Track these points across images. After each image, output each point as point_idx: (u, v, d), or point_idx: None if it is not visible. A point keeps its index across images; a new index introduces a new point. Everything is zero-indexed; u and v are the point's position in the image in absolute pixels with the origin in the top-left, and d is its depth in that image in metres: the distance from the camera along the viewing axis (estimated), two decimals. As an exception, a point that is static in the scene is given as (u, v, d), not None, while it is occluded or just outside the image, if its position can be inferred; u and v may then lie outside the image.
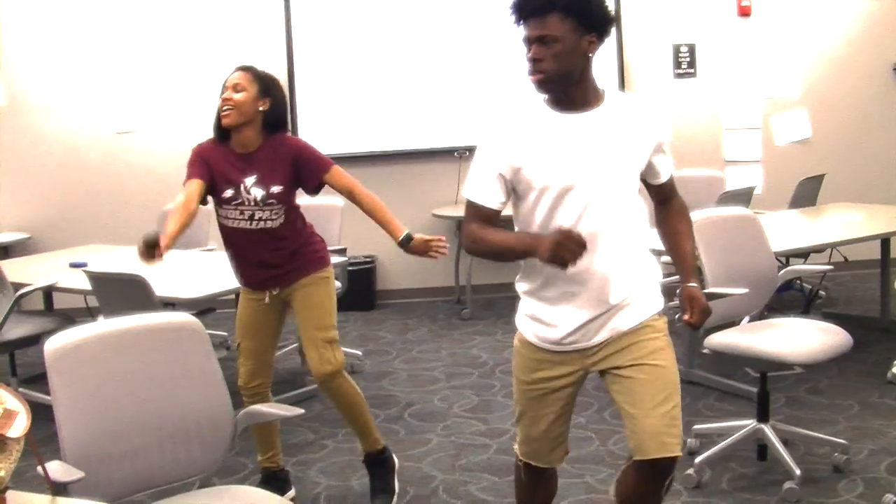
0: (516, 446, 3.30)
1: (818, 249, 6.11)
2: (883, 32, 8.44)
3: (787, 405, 5.24)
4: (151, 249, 3.66)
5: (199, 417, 2.99)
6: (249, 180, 3.92)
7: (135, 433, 2.86)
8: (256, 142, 3.97)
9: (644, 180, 3.06)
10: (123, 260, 5.85)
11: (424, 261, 7.93)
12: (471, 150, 8.63)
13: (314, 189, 4.10)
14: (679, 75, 8.38)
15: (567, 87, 2.88)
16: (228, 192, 3.94)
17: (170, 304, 4.76)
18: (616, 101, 2.96)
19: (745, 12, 8.31)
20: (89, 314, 5.56)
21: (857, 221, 6.29)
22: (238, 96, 3.89)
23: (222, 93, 3.93)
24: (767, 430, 4.40)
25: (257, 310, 4.14)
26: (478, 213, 2.97)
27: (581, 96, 2.90)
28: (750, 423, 4.46)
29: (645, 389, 2.93)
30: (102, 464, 2.76)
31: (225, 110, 3.90)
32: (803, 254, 6.33)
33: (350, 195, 4.11)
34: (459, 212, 7.76)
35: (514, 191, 2.96)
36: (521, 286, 3.08)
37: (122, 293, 4.70)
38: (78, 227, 8.04)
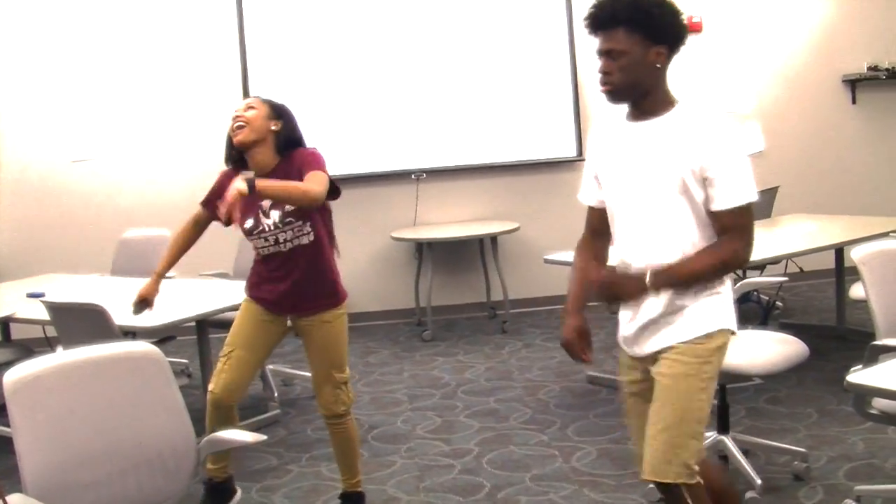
0: None
1: (774, 261, 6.17)
2: (832, 45, 8.59)
3: (747, 416, 5.29)
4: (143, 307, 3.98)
5: (162, 446, 2.99)
6: (266, 203, 3.90)
7: (97, 463, 2.85)
8: (272, 162, 3.94)
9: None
10: (81, 289, 5.83)
11: (385, 283, 7.95)
12: (428, 172, 8.70)
13: None
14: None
15: (637, 98, 2.95)
16: (249, 223, 3.94)
17: (130, 333, 4.73)
18: (680, 115, 2.94)
19: (695, 28, 8.40)
20: (48, 344, 5.53)
21: (812, 232, 6.38)
22: (249, 114, 3.90)
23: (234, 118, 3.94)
24: (728, 441, 4.45)
25: (260, 324, 4.11)
26: (587, 215, 3.24)
27: (650, 106, 2.95)
28: (711, 435, 4.49)
29: (659, 407, 2.95)
30: (65, 495, 2.75)
31: (236, 127, 3.89)
32: (759, 266, 6.40)
33: None
34: (418, 234, 7.90)
35: None
36: None
37: (81, 323, 4.67)
38: (34, 257, 7.96)
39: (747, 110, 8.47)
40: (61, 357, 2.91)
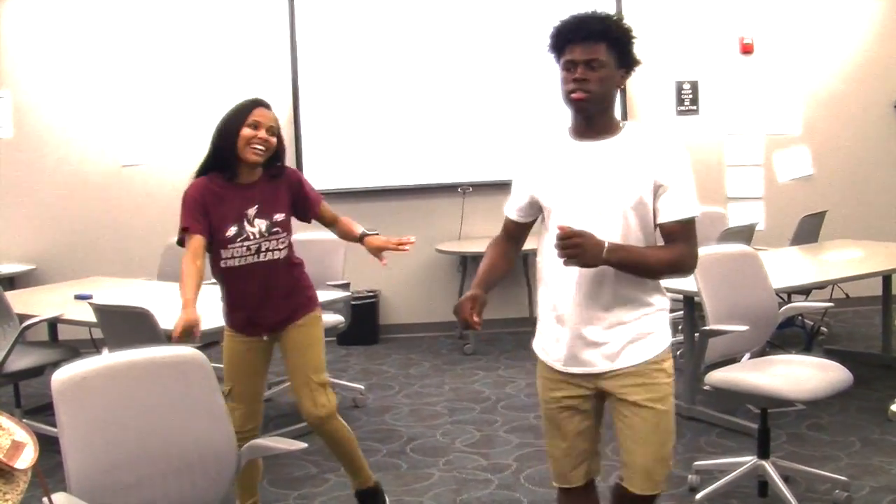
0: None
1: (819, 286, 6.13)
2: (883, 70, 8.51)
3: (788, 441, 5.25)
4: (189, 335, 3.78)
5: (204, 450, 3.02)
6: (251, 211, 3.95)
7: (139, 465, 2.88)
8: (258, 175, 4.02)
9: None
10: (128, 292, 5.90)
11: (428, 295, 7.99)
12: (474, 185, 8.71)
13: (305, 219, 4.20)
14: (682, 112, 8.44)
15: (598, 112, 3.01)
16: (232, 231, 3.93)
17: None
18: (631, 134, 3.04)
19: (747, 49, 8.38)
20: (94, 346, 5.59)
21: (859, 258, 6.33)
22: (273, 141, 3.95)
23: (249, 125, 3.91)
24: (768, 466, 4.41)
25: (247, 352, 4.11)
26: (505, 222, 3.39)
27: (601, 125, 3.03)
28: (751, 460, 4.47)
29: (648, 433, 3.06)
30: (107, 495, 2.78)
31: (259, 150, 3.91)
32: (805, 290, 6.35)
33: (334, 224, 4.31)
34: (463, 247, 7.90)
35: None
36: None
37: (128, 326, 4.73)
38: (82, 259, 8.10)
39: (796, 133, 8.43)
40: (108, 359, 2.95)
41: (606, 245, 2.88)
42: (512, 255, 3.41)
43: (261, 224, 3.94)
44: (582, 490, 3.30)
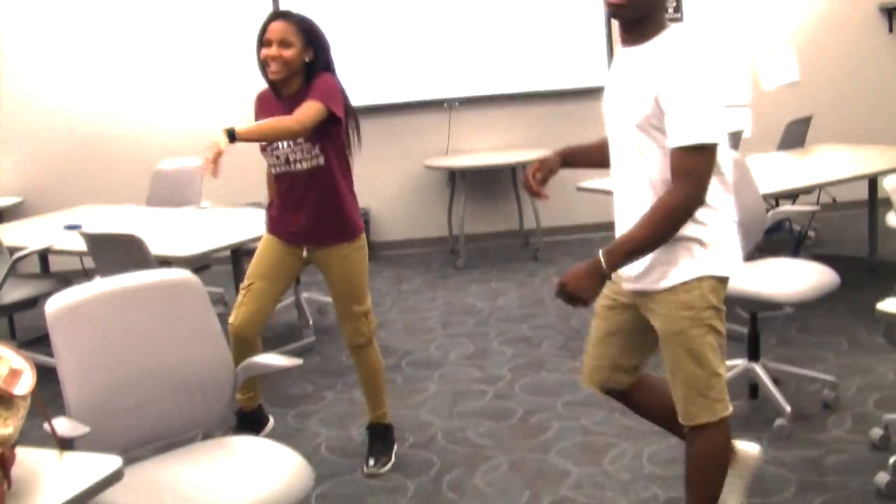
0: None
1: (806, 191, 6.15)
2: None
3: (777, 345, 5.32)
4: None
5: (200, 371, 3.06)
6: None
7: (137, 388, 2.92)
8: (299, 88, 3.93)
9: None
10: (117, 220, 5.90)
11: (418, 211, 8.01)
12: (460, 100, 8.66)
13: None
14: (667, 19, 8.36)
15: (635, 19, 2.83)
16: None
17: (165, 263, 4.80)
18: (662, 42, 2.80)
19: (731, -46, 8.30)
20: (85, 275, 5.61)
21: (845, 162, 6.34)
22: (287, 53, 3.85)
23: (263, 44, 3.87)
24: (758, 369, 4.48)
25: (281, 256, 4.12)
26: None
27: (644, 30, 2.83)
28: (741, 363, 4.53)
29: (671, 364, 2.95)
30: (107, 419, 2.83)
31: (273, 68, 3.86)
32: (792, 195, 6.38)
33: None
34: (451, 162, 7.90)
35: None
36: None
37: (118, 253, 4.74)
38: (71, 189, 8.06)
39: (782, 39, 8.38)
40: (101, 285, 2.97)
41: (602, 258, 2.76)
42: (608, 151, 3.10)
43: None
44: (636, 384, 3.25)
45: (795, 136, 7.15)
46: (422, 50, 8.22)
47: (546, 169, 3.16)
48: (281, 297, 4.25)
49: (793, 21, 8.43)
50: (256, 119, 3.97)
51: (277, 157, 3.95)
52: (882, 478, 3.64)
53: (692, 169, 2.71)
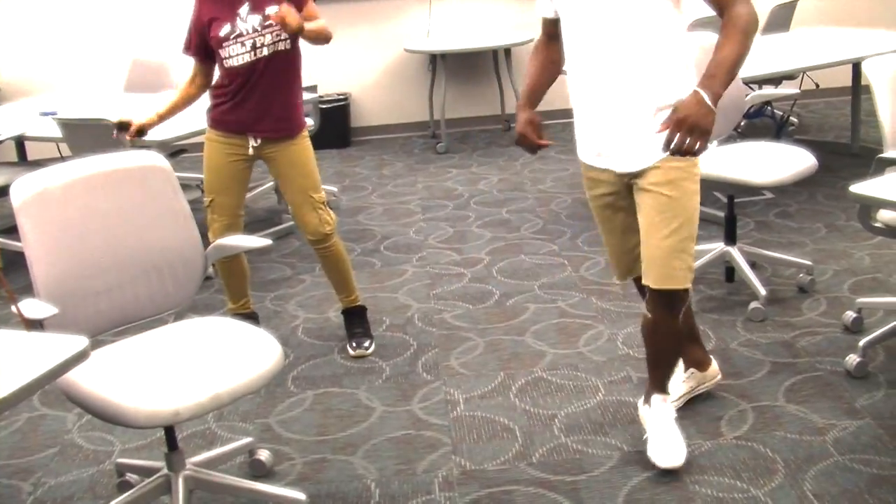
0: None
1: (789, 76, 6.09)
2: None
3: (756, 229, 5.33)
4: (122, 130, 4.02)
5: (170, 254, 3.04)
6: (243, 10, 3.82)
7: (108, 271, 2.91)
8: None
9: None
10: (94, 105, 5.83)
11: (399, 96, 7.95)
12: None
13: None
14: None
15: None
16: (224, 29, 3.83)
17: (142, 148, 4.74)
18: None
19: None
20: (63, 162, 5.55)
21: (829, 47, 6.25)
22: None
23: None
24: (734, 252, 4.49)
25: (230, 163, 4.05)
26: (542, 23, 3.19)
27: None
28: (717, 246, 4.54)
29: (656, 217, 2.95)
30: (76, 301, 2.82)
31: None
32: (774, 80, 6.32)
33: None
34: (431, 46, 7.81)
35: None
36: None
37: (93, 139, 4.68)
38: (48, 75, 7.94)
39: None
40: (68, 168, 2.93)
41: (706, 96, 2.60)
42: (557, 57, 3.17)
43: (253, 20, 3.82)
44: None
45: (780, 19, 7.06)
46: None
47: (537, 127, 3.12)
48: (244, 198, 4.18)
49: None
50: (192, 27, 3.92)
51: (243, 45, 3.85)
52: (852, 359, 3.69)
53: None
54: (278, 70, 3.93)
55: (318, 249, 4.17)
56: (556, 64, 3.20)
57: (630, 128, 2.93)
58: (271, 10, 3.77)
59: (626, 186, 3.06)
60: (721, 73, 2.65)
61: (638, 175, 2.98)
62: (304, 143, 4.08)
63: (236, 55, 3.87)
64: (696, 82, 2.67)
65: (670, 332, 3.15)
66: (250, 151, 4.03)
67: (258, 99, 3.94)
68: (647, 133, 2.89)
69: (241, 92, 3.94)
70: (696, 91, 2.62)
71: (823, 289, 4.51)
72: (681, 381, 3.54)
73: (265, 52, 3.86)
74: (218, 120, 4.06)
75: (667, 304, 3.05)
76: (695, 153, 2.63)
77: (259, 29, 3.83)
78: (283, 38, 3.87)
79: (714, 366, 3.61)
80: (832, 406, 3.48)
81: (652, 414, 3.29)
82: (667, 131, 2.65)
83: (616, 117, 2.94)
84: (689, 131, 2.60)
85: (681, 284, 2.99)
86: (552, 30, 3.15)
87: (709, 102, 2.60)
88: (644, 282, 3.04)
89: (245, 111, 3.97)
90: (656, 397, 3.29)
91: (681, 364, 3.52)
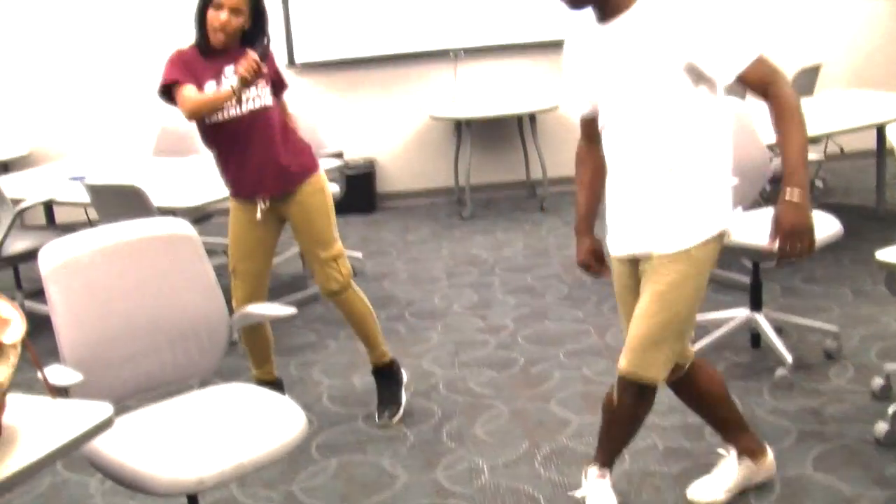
0: None
1: (814, 140, 6.08)
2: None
3: (782, 294, 5.31)
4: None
5: (196, 321, 3.06)
6: (228, 69, 3.85)
7: (132, 337, 2.93)
8: (233, 49, 3.90)
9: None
10: (122, 170, 5.90)
11: (424, 162, 7.98)
12: (466, 50, 8.59)
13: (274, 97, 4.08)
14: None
15: (598, 2, 2.82)
16: (210, 86, 3.85)
17: (169, 213, 4.80)
18: (646, 4, 2.78)
19: None
20: (90, 226, 5.58)
21: (853, 111, 6.26)
22: (237, 21, 3.84)
23: (212, 4, 3.82)
24: (760, 318, 4.47)
25: (252, 228, 4.05)
26: (581, 124, 3.20)
27: (612, 4, 2.81)
28: (743, 313, 4.52)
29: (645, 305, 2.91)
30: (102, 368, 2.83)
31: (220, 36, 3.83)
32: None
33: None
34: (457, 113, 7.85)
35: None
36: None
37: (120, 204, 4.74)
38: (78, 142, 8.05)
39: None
40: (96, 234, 2.97)
41: (794, 196, 2.65)
42: (600, 163, 3.10)
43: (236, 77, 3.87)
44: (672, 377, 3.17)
45: (805, 83, 7.08)
46: (427, -2, 8.16)
47: (597, 255, 3.23)
48: (270, 264, 4.18)
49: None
50: (179, 75, 3.86)
51: (229, 101, 3.84)
52: (881, 427, 3.64)
53: (776, 69, 2.74)
54: (266, 124, 3.94)
55: (333, 303, 4.18)
56: (601, 172, 3.13)
57: (655, 213, 2.90)
58: (229, 68, 3.83)
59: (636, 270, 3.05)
60: (799, 167, 2.68)
61: (647, 260, 2.95)
62: (311, 195, 4.05)
63: (222, 109, 3.87)
64: (728, 161, 2.82)
65: (630, 421, 3.11)
66: (259, 216, 4.02)
67: (257, 157, 3.95)
68: (668, 219, 2.88)
69: (235, 153, 3.95)
70: (786, 198, 2.66)
71: (851, 355, 4.47)
72: (733, 470, 3.34)
73: (250, 106, 3.88)
74: (229, 186, 4.10)
75: (634, 392, 2.99)
76: (810, 254, 2.70)
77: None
78: (267, 93, 3.93)
79: (770, 456, 3.40)
80: (861, 475, 3.44)
81: (587, 487, 3.23)
82: (777, 245, 2.69)
83: (643, 204, 2.92)
84: (798, 239, 2.67)
85: (652, 376, 2.93)
86: (591, 130, 3.12)
87: (800, 202, 2.66)
88: (618, 364, 2.97)
89: (248, 172, 3.98)
90: (592, 470, 3.23)
91: (733, 452, 3.36)
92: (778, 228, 2.68)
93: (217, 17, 3.81)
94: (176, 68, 3.87)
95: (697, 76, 2.75)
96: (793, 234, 2.67)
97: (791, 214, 2.65)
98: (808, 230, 2.68)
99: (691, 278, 2.88)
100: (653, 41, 2.74)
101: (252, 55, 3.71)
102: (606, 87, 2.91)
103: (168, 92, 3.88)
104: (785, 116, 2.72)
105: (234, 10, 3.82)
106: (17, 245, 5.34)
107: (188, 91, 3.80)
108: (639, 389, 2.98)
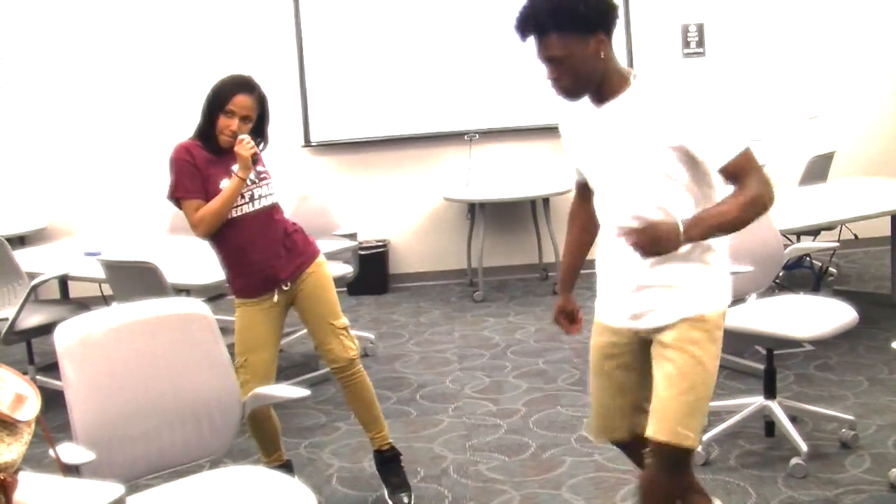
0: None
1: (828, 227, 6.11)
2: (891, 10, 8.41)
3: (796, 382, 5.27)
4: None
5: (208, 401, 3.05)
6: (235, 167, 3.92)
7: (145, 416, 2.92)
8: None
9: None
10: (137, 247, 5.93)
11: (437, 244, 8.01)
12: (480, 132, 8.67)
13: None
14: (688, 55, 8.37)
15: (593, 89, 2.87)
16: (224, 184, 3.91)
17: (183, 291, 4.81)
18: (641, 88, 2.84)
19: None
20: (104, 302, 5.62)
21: (867, 198, 6.28)
22: (246, 128, 3.93)
23: (224, 111, 3.90)
24: (774, 406, 4.43)
25: (262, 319, 4.04)
26: (575, 184, 3.29)
27: (606, 89, 2.86)
28: (757, 400, 4.48)
29: (674, 372, 2.87)
30: (114, 446, 2.82)
31: (229, 141, 3.91)
32: (813, 231, 6.33)
33: None
34: (471, 195, 7.89)
35: None
36: None
37: (135, 280, 4.76)
38: (93, 217, 8.10)
39: (805, 74, 8.36)
40: (111, 313, 2.98)
41: (681, 226, 2.68)
42: (590, 223, 3.20)
43: (250, 173, 3.94)
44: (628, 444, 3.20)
45: (818, 170, 7.12)
46: (442, 82, 8.25)
47: (568, 316, 3.39)
48: (276, 356, 4.16)
49: (815, 55, 8.39)
50: (188, 186, 3.95)
51: (241, 196, 3.94)
52: (899, 519, 3.60)
53: (754, 167, 2.74)
54: (271, 217, 4.04)
55: (342, 378, 4.13)
56: (590, 229, 3.25)
57: (656, 285, 2.91)
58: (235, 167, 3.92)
59: (640, 342, 3.02)
60: (705, 227, 2.71)
61: (660, 330, 2.93)
62: (321, 269, 4.14)
63: (235, 206, 3.94)
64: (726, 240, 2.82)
65: (667, 496, 3.01)
66: (275, 299, 4.04)
67: (263, 247, 4.00)
68: (672, 290, 2.89)
69: (247, 247, 3.99)
70: (674, 223, 2.67)
71: (867, 444, 4.42)
72: None
73: (261, 203, 3.98)
74: (243, 290, 4.09)
75: (672, 463, 2.92)
76: (641, 251, 2.69)
77: (256, 180, 3.97)
78: (273, 189, 4.05)
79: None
80: (879, 568, 3.39)
81: None
82: (633, 239, 2.69)
83: (642, 276, 2.92)
84: (650, 241, 2.67)
85: (690, 444, 2.88)
86: (584, 192, 3.20)
87: (681, 239, 2.67)
88: (649, 434, 2.90)
89: (256, 266, 4.01)
90: None
91: None
92: (648, 224, 2.70)
93: (229, 125, 3.91)
94: (185, 177, 3.96)
95: (690, 157, 2.79)
96: (652, 237, 2.67)
97: (667, 232, 2.67)
98: (660, 250, 2.69)
99: (713, 343, 2.89)
100: (646, 123, 2.79)
101: (242, 137, 3.85)
102: (601, 166, 2.96)
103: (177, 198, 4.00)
104: (738, 194, 2.73)
105: (245, 118, 3.92)
106: (31, 319, 5.35)
107: (193, 207, 3.95)
108: (675, 460, 2.91)
